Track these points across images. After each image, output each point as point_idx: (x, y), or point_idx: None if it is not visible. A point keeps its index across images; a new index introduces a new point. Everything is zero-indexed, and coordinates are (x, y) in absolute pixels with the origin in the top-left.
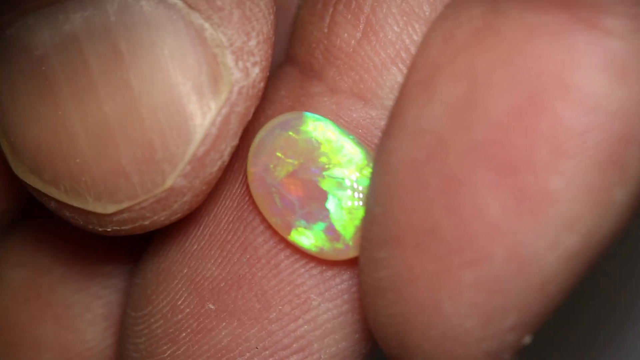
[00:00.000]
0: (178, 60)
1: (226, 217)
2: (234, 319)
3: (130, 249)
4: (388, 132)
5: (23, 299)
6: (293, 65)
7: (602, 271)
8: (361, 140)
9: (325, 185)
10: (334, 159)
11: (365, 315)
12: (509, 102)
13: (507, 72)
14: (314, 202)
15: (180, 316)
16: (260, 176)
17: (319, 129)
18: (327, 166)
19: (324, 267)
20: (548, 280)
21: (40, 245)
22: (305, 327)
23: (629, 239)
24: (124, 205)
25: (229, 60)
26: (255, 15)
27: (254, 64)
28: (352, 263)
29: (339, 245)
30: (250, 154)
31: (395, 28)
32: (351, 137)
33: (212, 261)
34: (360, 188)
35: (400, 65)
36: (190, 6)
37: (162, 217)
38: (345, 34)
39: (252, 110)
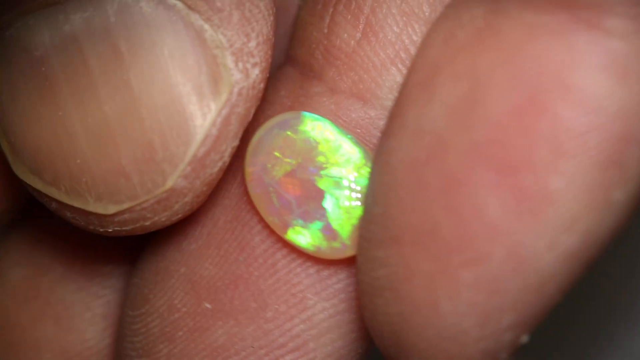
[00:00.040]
0: (178, 61)
1: (224, 217)
2: (230, 318)
3: (129, 249)
4: (387, 132)
5: (22, 298)
6: (293, 66)
7: (601, 271)
8: (360, 140)
9: (322, 184)
10: (332, 159)
11: (362, 315)
12: (509, 102)
13: (507, 72)
14: (311, 201)
15: (177, 315)
16: (258, 175)
17: (317, 128)
18: (324, 165)
19: (320, 267)
20: (546, 280)
21: (39, 244)
22: (301, 326)
23: (627, 239)
24: (125, 205)
25: (229, 61)
26: (255, 17)
27: (254, 65)
28: (348, 262)
29: (336, 244)
30: (248, 154)
31: (395, 28)
32: (349, 136)
33: (209, 260)
34: (358, 187)
35: (400, 66)
36: (189, 7)
37: (163, 217)
38: (345, 35)
39: (253, 111)
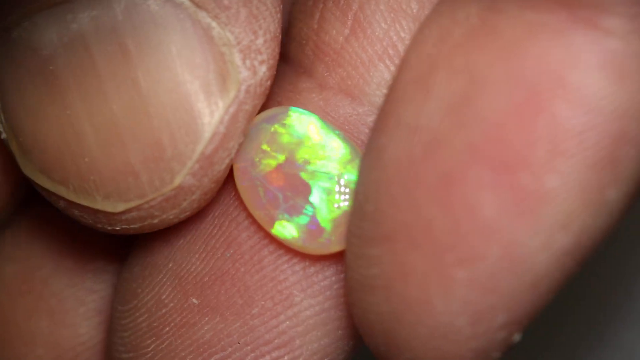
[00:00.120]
0: (186, 59)
1: (211, 212)
2: (216, 314)
3: (123, 244)
4: (379, 129)
5: (16, 293)
6: (284, 62)
7: (592, 271)
8: (348, 136)
9: (309, 179)
10: (319, 154)
11: (351, 312)
12: (506, 100)
13: (505, 70)
14: (297, 196)
15: (164, 310)
16: (245, 170)
17: (304, 123)
18: (311, 160)
19: (307, 263)
20: (540, 279)
21: (33, 239)
22: (288, 323)
23: (618, 238)
24: (133, 204)
25: (237, 58)
26: (262, 14)
27: (262, 62)
28: (335, 259)
29: (322, 240)
30: None
31: (383, 25)
32: (337, 132)
33: (197, 256)
34: (345, 183)
35: (388, 62)
36: (197, 5)
37: (171, 215)
38: (334, 31)
39: (259, 108)
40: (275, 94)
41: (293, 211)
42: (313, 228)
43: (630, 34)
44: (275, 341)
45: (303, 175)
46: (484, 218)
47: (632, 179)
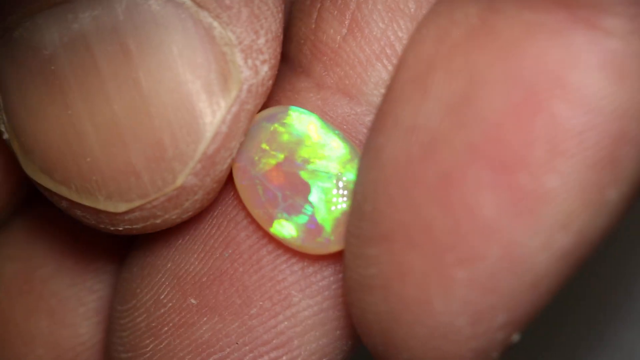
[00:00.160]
0: (187, 59)
1: (210, 212)
2: (215, 314)
3: (123, 244)
4: (377, 129)
5: (16, 292)
6: (283, 61)
7: (591, 271)
8: (346, 136)
9: (308, 178)
10: (319, 153)
11: (349, 312)
12: (506, 100)
13: (504, 70)
14: (296, 195)
15: (162, 310)
16: (244, 168)
17: (304, 123)
18: (311, 160)
19: (305, 263)
20: (540, 279)
21: (33, 239)
22: (286, 323)
23: (619, 239)
24: (135, 204)
25: (238, 58)
26: (264, 14)
27: (263, 62)
28: (334, 259)
29: (320, 239)
30: None
31: (380, 24)
32: (337, 132)
33: (195, 256)
34: (344, 183)
35: (385, 62)
36: (198, 5)
37: (174, 215)
38: (332, 30)
39: (260, 107)
40: (273, 94)
41: (292, 210)
42: (312, 227)
43: (630, 34)
44: (274, 341)
45: (302, 174)
46: (483, 218)
47: (632, 179)
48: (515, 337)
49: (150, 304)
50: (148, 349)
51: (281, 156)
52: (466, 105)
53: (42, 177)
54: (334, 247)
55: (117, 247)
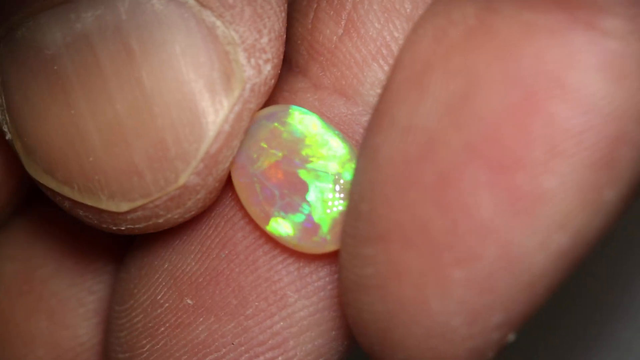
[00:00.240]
0: (190, 58)
1: (207, 212)
2: (211, 315)
3: (123, 245)
4: (373, 129)
5: (16, 293)
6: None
7: (589, 270)
8: (344, 136)
9: (306, 177)
10: (318, 153)
11: (344, 312)
12: (504, 100)
13: (502, 70)
14: (294, 194)
15: (159, 310)
16: (243, 166)
17: (304, 122)
18: (310, 159)
19: (301, 264)
20: (537, 279)
21: (33, 239)
22: (282, 323)
23: (616, 238)
24: (138, 203)
25: (241, 57)
26: (267, 13)
27: (266, 61)
28: (329, 260)
29: (317, 239)
30: None
31: (376, 24)
32: (336, 132)
33: (192, 256)
34: (342, 183)
35: (381, 62)
36: (201, 4)
37: (176, 215)
38: (328, 31)
39: (262, 106)
40: (271, 94)
41: (289, 209)
42: (308, 226)
43: (629, 34)
44: (270, 342)
45: (301, 173)
46: (480, 218)
47: (630, 180)
48: (511, 337)
49: (148, 304)
50: (145, 349)
51: (280, 155)
52: (464, 105)
53: (44, 177)
54: (330, 247)
55: (117, 247)
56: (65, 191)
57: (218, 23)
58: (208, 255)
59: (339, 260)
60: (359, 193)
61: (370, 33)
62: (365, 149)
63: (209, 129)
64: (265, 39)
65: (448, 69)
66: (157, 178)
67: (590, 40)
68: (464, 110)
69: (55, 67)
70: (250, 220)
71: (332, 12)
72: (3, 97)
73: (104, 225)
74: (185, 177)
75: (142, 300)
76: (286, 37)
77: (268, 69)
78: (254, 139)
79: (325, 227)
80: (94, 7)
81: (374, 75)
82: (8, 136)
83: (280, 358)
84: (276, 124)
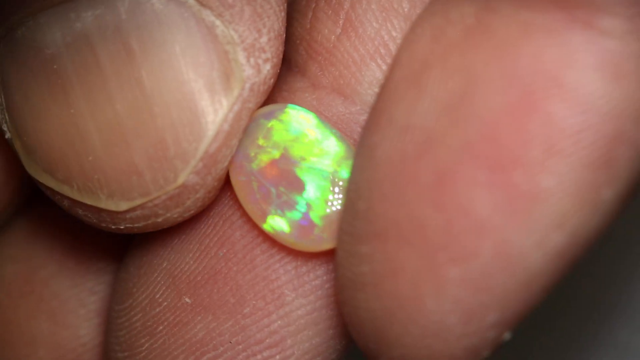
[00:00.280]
0: (189, 58)
1: (206, 211)
2: (208, 313)
3: (124, 245)
4: (371, 127)
5: (17, 294)
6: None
7: (586, 270)
8: (342, 135)
9: (303, 175)
10: (315, 151)
11: (341, 310)
12: (502, 99)
13: (501, 69)
14: (291, 192)
15: (158, 309)
16: (240, 164)
17: (301, 120)
18: (307, 157)
19: (298, 263)
20: (533, 278)
21: (34, 240)
22: (279, 322)
23: (614, 238)
24: (137, 202)
25: (241, 57)
26: (267, 12)
27: (265, 60)
28: (326, 259)
29: (313, 236)
30: None
31: (374, 24)
32: (333, 130)
33: (191, 255)
34: (339, 181)
35: (379, 61)
36: (201, 3)
37: (175, 214)
38: (326, 30)
39: (260, 105)
40: (269, 93)
41: (286, 206)
42: (305, 224)
43: (628, 34)
44: (267, 340)
45: (298, 171)
46: (477, 217)
47: (628, 179)
48: (507, 336)
49: (146, 303)
50: (144, 348)
51: (277, 153)
52: (462, 104)
53: (44, 176)
54: (327, 245)
55: (118, 248)
56: (65, 190)
57: (217, 22)
58: (206, 254)
59: (336, 258)
60: (356, 191)
61: (368, 32)
62: (362, 147)
63: (208, 129)
64: (264, 39)
65: (446, 68)
66: (157, 177)
67: (588, 40)
68: (461, 109)
69: (55, 67)
70: (249, 219)
71: (330, 12)
72: (3, 97)
73: (103, 224)
74: (184, 176)
75: (141, 299)
76: (285, 36)
77: (267, 69)
78: (252, 137)
79: (321, 225)
80: (94, 7)
81: (372, 75)
82: (7, 135)
83: (277, 357)
84: (274, 123)
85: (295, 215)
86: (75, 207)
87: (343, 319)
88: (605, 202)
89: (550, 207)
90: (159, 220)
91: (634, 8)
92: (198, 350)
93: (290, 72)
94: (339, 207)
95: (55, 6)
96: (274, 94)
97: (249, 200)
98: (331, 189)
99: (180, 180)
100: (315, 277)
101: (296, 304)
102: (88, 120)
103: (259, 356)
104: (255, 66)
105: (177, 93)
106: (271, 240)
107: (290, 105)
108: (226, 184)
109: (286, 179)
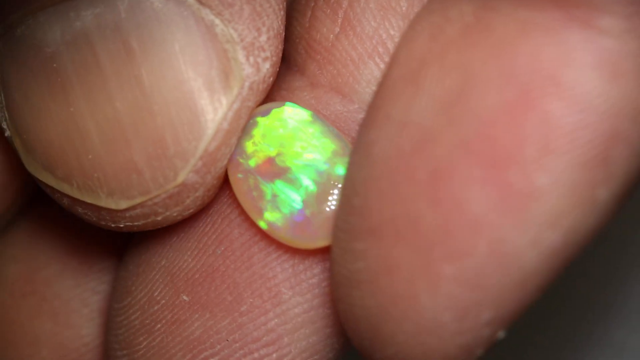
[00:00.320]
0: (189, 56)
1: (204, 209)
2: (206, 311)
3: (127, 244)
4: (368, 124)
5: (20, 294)
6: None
7: (582, 270)
8: (339, 133)
9: (299, 172)
10: (311, 149)
11: (336, 307)
12: (499, 97)
13: (498, 67)
14: (287, 188)
15: (156, 307)
16: (237, 161)
17: (298, 118)
18: (303, 155)
19: (296, 261)
20: (528, 277)
21: (36, 240)
22: (276, 320)
23: (610, 237)
24: (137, 201)
25: (240, 55)
26: (266, 11)
27: (265, 59)
28: (324, 257)
29: (308, 233)
30: None
31: (372, 23)
32: (330, 128)
33: (189, 253)
34: (335, 178)
35: (377, 60)
36: (200, 2)
37: (175, 212)
38: (325, 29)
39: (259, 103)
40: (269, 92)
41: (281, 203)
42: (300, 220)
43: (626, 33)
44: (264, 338)
45: (293, 168)
46: (472, 214)
47: (624, 179)
48: (501, 334)
49: (145, 301)
50: (142, 346)
51: (274, 150)
52: (459, 102)
53: (43, 174)
54: (322, 242)
55: (120, 247)
56: (65, 188)
57: (217, 21)
58: (204, 252)
59: (331, 255)
60: (352, 187)
61: (366, 31)
62: (359, 144)
63: (207, 127)
64: (264, 37)
65: (444, 65)
66: (156, 176)
67: (586, 39)
68: (458, 106)
69: (55, 65)
70: (247, 217)
71: (329, 11)
72: (2, 95)
73: (103, 223)
74: (184, 175)
75: (140, 297)
76: (285, 35)
77: (267, 67)
78: (249, 135)
79: (316, 222)
80: (94, 6)
81: (370, 73)
82: (7, 133)
83: (274, 355)
84: (271, 120)
85: (291, 211)
86: (75, 205)
87: (338, 316)
88: (601, 202)
89: (545, 205)
90: (159, 218)
91: (631, 7)
92: (195, 348)
93: (289, 71)
94: (334, 204)
95: (55, 5)
96: (273, 93)
97: (246, 197)
98: (327, 186)
99: (180, 178)
100: (312, 276)
101: (293, 302)
102: (88, 118)
103: (255, 354)
104: (255, 65)
105: (177, 92)
106: (269, 238)
107: (287, 103)
108: (225, 182)
109: (282, 176)
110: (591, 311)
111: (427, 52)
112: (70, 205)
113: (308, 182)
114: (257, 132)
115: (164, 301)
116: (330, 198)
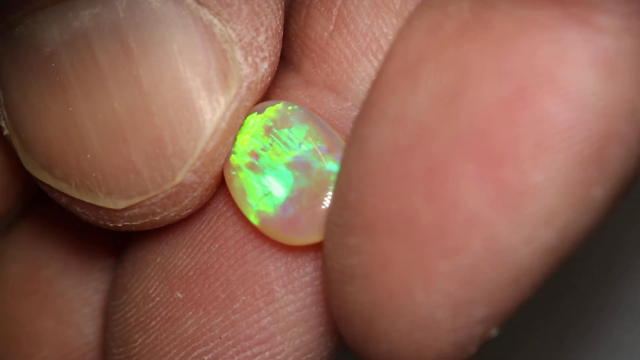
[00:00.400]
0: (187, 56)
1: (201, 207)
2: (199, 309)
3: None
4: (364, 119)
5: (21, 293)
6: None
7: (578, 269)
8: (333, 130)
9: (293, 169)
10: (305, 145)
11: (328, 304)
12: (496, 94)
13: (495, 64)
14: (279, 185)
15: (151, 304)
16: (231, 158)
17: (293, 116)
18: (296, 151)
19: (289, 259)
20: (522, 274)
21: (38, 239)
22: (269, 318)
23: (606, 236)
24: (135, 200)
25: (238, 55)
26: (264, 11)
27: (263, 59)
28: (316, 255)
29: (300, 229)
30: None
31: (366, 20)
32: (324, 126)
33: (184, 250)
34: (327, 174)
35: (371, 57)
36: (199, 2)
37: (173, 212)
38: (319, 27)
39: (257, 103)
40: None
41: (274, 200)
42: (290, 216)
43: (623, 31)
44: (257, 336)
45: (287, 165)
46: (467, 210)
47: (619, 177)
48: (494, 332)
49: (140, 298)
50: (137, 344)
51: (268, 148)
52: (455, 98)
53: (42, 173)
54: (313, 238)
55: (121, 247)
56: (63, 188)
57: (215, 21)
58: (199, 249)
59: (323, 250)
60: (346, 182)
61: (360, 29)
62: (354, 139)
63: (205, 127)
64: (262, 37)
65: (441, 61)
66: (154, 175)
67: (584, 37)
68: (455, 102)
69: (54, 65)
70: (242, 215)
71: (323, 9)
72: (1, 94)
73: (101, 222)
74: (182, 174)
75: (135, 294)
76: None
77: (265, 67)
78: (244, 132)
79: (306, 218)
80: (92, 6)
81: (364, 71)
82: (6, 132)
83: (267, 353)
84: (265, 118)
85: (282, 207)
86: (73, 205)
87: (331, 312)
88: (596, 200)
89: (539, 203)
90: (157, 218)
91: (629, 5)
92: (189, 345)
93: (285, 69)
94: (325, 200)
95: (54, 5)
96: (268, 92)
97: (239, 194)
98: (318, 182)
99: (178, 178)
100: (305, 274)
101: (286, 300)
102: (86, 118)
103: (248, 352)
104: (253, 65)
105: (175, 91)
106: (263, 237)
107: (282, 102)
108: (222, 180)
109: (275, 172)
110: (586, 310)
111: (424, 47)
112: (69, 204)
113: (300, 179)
114: (251, 130)
115: (158, 298)
116: (321, 194)
